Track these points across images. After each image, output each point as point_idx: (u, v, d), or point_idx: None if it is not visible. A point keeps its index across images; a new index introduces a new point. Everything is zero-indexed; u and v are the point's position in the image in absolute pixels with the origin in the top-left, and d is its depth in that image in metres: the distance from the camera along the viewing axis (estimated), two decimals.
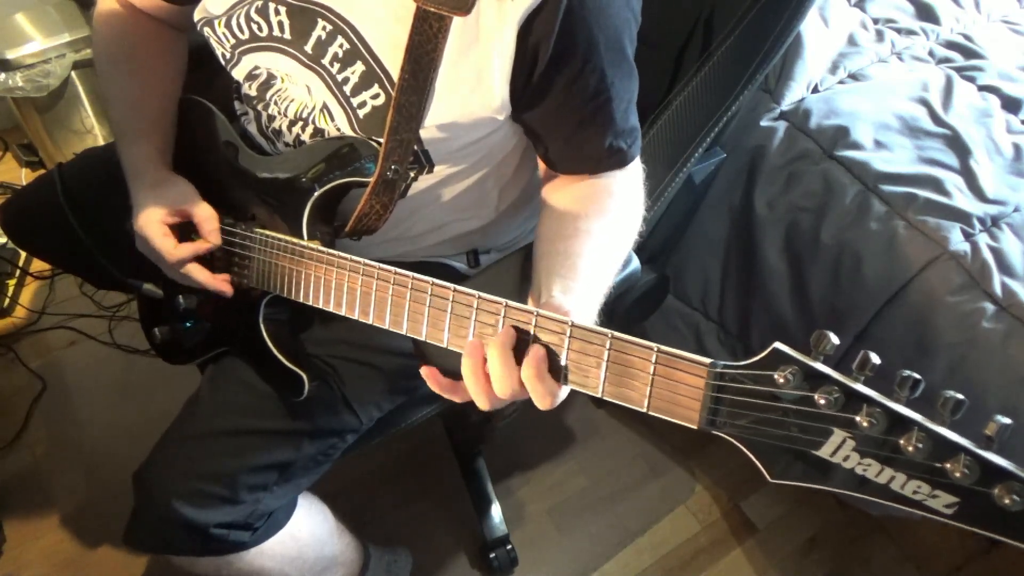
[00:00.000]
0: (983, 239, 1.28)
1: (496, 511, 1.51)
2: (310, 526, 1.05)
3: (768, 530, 1.58)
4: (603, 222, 0.79)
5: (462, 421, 1.53)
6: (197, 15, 0.87)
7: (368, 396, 0.96)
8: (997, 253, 1.26)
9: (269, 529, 0.96)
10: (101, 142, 1.88)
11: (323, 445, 0.95)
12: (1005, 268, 1.25)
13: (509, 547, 1.47)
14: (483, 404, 0.65)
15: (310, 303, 0.80)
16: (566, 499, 1.60)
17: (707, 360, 0.55)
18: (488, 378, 0.63)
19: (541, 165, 0.88)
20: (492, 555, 1.46)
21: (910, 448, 0.45)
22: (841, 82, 1.51)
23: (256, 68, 0.87)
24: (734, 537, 1.58)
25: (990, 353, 1.19)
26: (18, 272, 1.85)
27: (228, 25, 0.84)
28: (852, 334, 1.34)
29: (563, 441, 1.69)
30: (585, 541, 1.55)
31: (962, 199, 1.32)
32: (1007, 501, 0.43)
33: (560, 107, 0.79)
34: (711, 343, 1.59)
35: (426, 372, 0.66)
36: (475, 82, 0.76)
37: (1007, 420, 0.44)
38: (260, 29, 0.82)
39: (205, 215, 0.86)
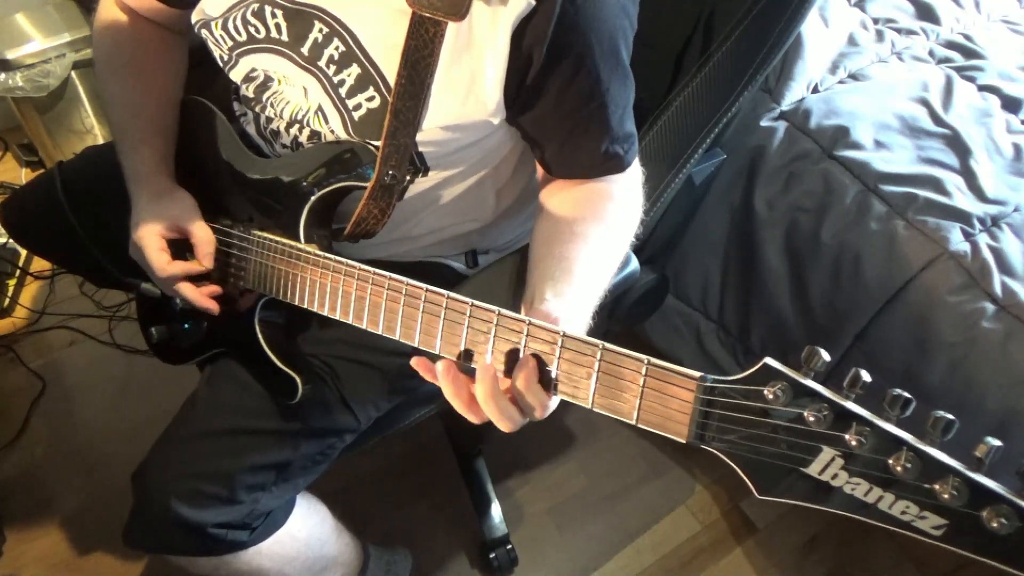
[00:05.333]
0: (983, 239, 1.28)
1: (496, 511, 1.51)
2: (308, 526, 1.05)
3: (768, 530, 1.58)
4: (600, 227, 0.79)
5: (462, 421, 1.53)
6: (195, 17, 0.87)
7: (366, 396, 0.96)
8: (997, 253, 1.26)
9: (267, 529, 0.96)
10: (101, 142, 1.88)
11: (321, 445, 0.95)
12: (1005, 268, 1.24)
13: (509, 547, 1.48)
14: (472, 418, 0.64)
15: (305, 306, 0.81)
16: (566, 499, 1.60)
17: (697, 374, 0.54)
18: (472, 397, 0.63)
19: (539, 169, 0.88)
20: (492, 555, 1.46)
21: (899, 468, 0.45)
22: (841, 82, 1.51)
23: (253, 70, 0.87)
24: (734, 537, 1.58)
25: (990, 353, 1.19)
26: (18, 272, 1.86)
27: (225, 27, 0.84)
28: (852, 334, 1.34)
29: (563, 441, 1.69)
30: (585, 541, 1.55)
31: (962, 199, 1.32)
32: (995, 524, 0.43)
33: (555, 111, 0.79)
34: (711, 343, 1.59)
35: (416, 362, 0.64)
36: (469, 86, 0.76)
37: (997, 442, 0.43)
38: (257, 31, 0.82)
39: (202, 238, 0.86)
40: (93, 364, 1.74)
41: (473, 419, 0.65)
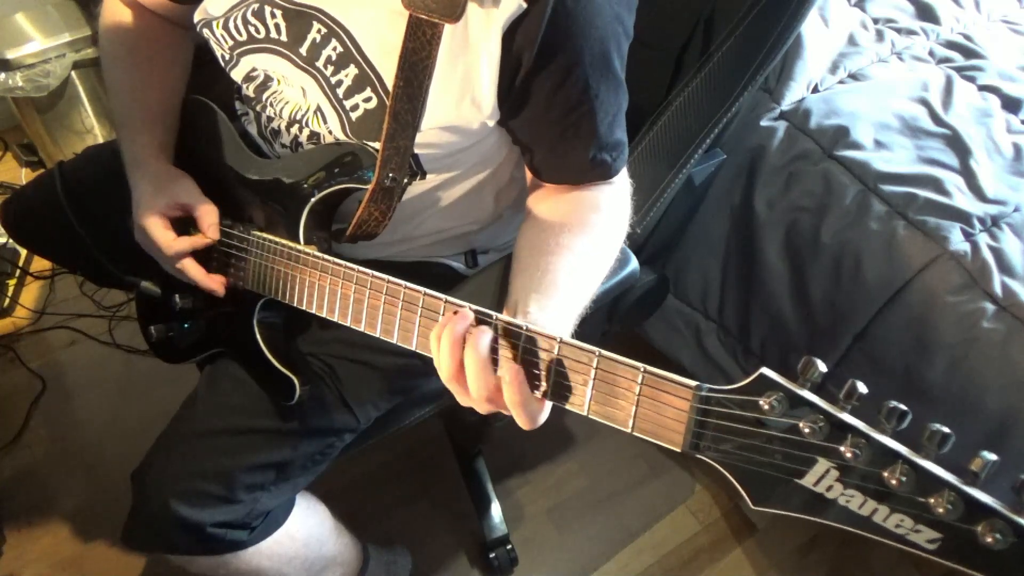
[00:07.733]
0: (983, 239, 1.28)
1: (496, 511, 1.51)
2: (308, 525, 1.05)
3: (768, 530, 1.58)
4: (585, 238, 0.78)
5: (461, 421, 1.53)
6: (197, 16, 0.87)
7: (366, 395, 0.96)
8: (997, 253, 1.26)
9: (267, 528, 0.96)
10: (101, 141, 1.88)
11: (321, 444, 0.95)
12: (1005, 268, 1.24)
13: (509, 547, 1.48)
14: (462, 399, 0.64)
15: (303, 308, 0.81)
16: (566, 499, 1.60)
17: (693, 383, 0.54)
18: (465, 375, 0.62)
19: (528, 173, 0.88)
20: (492, 555, 1.46)
21: (894, 481, 0.45)
22: (841, 82, 1.51)
23: (254, 70, 0.87)
24: (734, 537, 1.58)
25: (990, 353, 1.19)
26: (18, 272, 1.86)
27: (226, 27, 0.84)
28: (852, 334, 1.34)
29: (563, 441, 1.69)
30: (585, 541, 1.55)
31: (962, 199, 1.32)
32: (989, 539, 0.42)
33: (543, 115, 0.78)
34: (711, 343, 1.59)
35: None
36: (465, 88, 0.76)
37: (993, 456, 0.43)
38: (257, 31, 0.83)
39: (205, 210, 0.86)
40: (93, 364, 1.74)
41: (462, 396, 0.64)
